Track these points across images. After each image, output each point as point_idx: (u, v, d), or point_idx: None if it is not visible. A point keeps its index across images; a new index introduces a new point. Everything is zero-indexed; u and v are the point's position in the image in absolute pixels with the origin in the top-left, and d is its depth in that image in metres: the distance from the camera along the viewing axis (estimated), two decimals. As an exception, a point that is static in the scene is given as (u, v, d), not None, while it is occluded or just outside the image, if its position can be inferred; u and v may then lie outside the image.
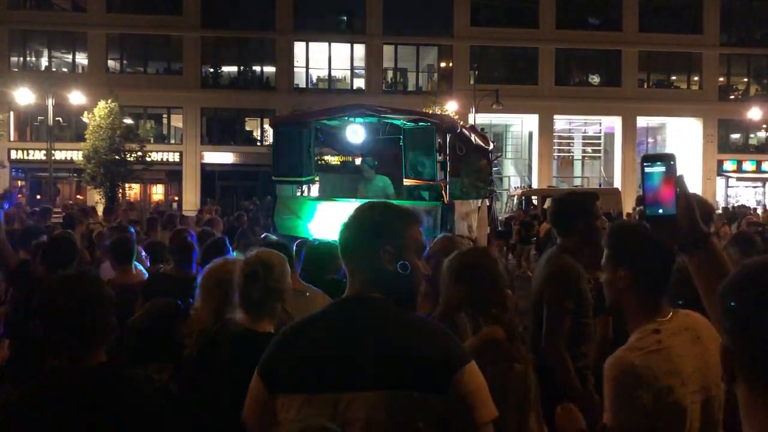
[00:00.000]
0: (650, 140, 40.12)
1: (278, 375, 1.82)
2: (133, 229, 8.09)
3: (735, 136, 38.83)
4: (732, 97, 38.32)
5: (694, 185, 36.23)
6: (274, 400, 1.80)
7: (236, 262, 3.43)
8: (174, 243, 5.00)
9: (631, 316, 2.22)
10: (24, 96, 27.30)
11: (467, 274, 2.73)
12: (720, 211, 26.69)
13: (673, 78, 38.90)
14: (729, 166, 37.93)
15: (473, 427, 1.73)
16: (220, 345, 3.06)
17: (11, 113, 32.25)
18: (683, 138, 38.13)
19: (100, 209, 29.10)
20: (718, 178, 37.66)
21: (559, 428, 2.39)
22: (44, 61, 35.28)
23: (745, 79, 39.07)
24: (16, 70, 33.64)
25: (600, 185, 36.88)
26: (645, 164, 1.78)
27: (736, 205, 30.52)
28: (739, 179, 38.30)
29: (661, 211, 1.74)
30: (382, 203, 1.99)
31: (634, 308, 2.20)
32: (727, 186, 38.33)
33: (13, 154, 33.30)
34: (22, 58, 34.78)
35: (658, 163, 1.77)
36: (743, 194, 37.73)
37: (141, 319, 3.49)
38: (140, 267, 5.57)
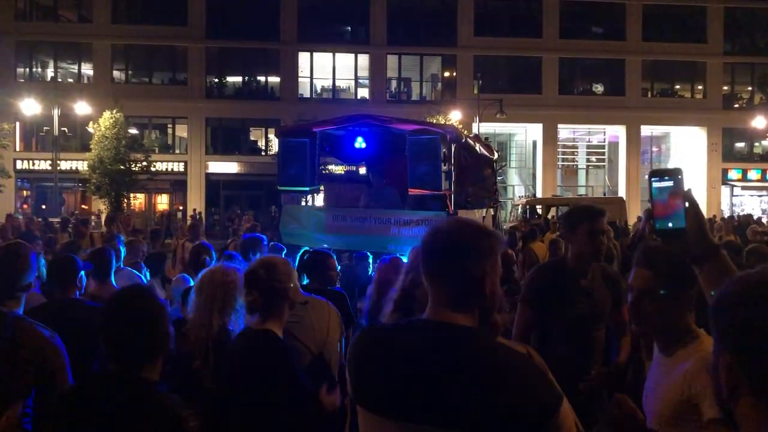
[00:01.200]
0: (654, 149, 40.10)
1: (361, 381, 1.75)
2: (122, 240, 7.96)
3: (739, 144, 38.78)
4: (736, 105, 38.30)
5: (699, 194, 36.07)
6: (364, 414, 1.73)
7: (233, 269, 3.48)
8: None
9: (670, 330, 2.23)
10: (30, 106, 27.45)
11: None
12: (722, 220, 26.61)
13: (677, 87, 38.91)
14: (734, 175, 37.86)
15: None
16: (227, 348, 3.13)
17: (17, 123, 32.41)
18: (687, 147, 38.08)
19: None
20: (722, 187, 37.56)
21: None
22: (50, 72, 35.48)
23: (749, 88, 39.06)
24: (23, 80, 33.85)
25: (604, 194, 36.82)
26: (653, 179, 1.80)
27: (741, 213, 30.44)
28: (744, 188, 38.20)
29: (670, 225, 1.76)
30: (472, 222, 1.89)
31: (676, 322, 2.23)
32: (732, 195, 38.23)
33: (19, 164, 33.43)
34: (28, 69, 34.99)
35: (666, 177, 1.79)
36: (748, 203, 37.62)
37: None
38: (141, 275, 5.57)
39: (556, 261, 3.64)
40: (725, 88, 38.09)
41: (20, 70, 34.59)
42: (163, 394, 2.24)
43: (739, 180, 37.94)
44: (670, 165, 39.07)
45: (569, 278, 3.52)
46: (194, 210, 31.96)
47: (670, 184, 1.78)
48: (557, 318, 3.46)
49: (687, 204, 1.75)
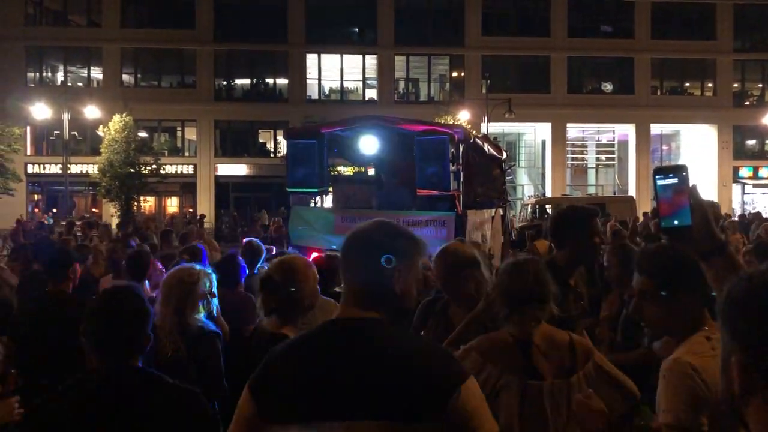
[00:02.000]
0: (664, 147, 39.90)
1: (272, 401, 1.74)
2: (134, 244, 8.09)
3: (750, 142, 38.54)
4: (747, 103, 38.06)
5: (710, 192, 35.92)
6: (267, 427, 1.73)
7: (194, 269, 3.59)
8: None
9: (678, 329, 2.21)
10: (40, 111, 27.62)
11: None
12: (735, 218, 26.44)
13: (687, 85, 38.70)
14: (745, 172, 37.60)
15: None
16: (196, 344, 3.32)
17: (28, 128, 32.62)
18: (698, 145, 37.87)
19: (114, 222, 29.47)
20: (733, 185, 37.32)
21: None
22: (60, 76, 35.70)
23: (760, 85, 38.81)
24: (33, 85, 34.06)
25: (614, 193, 36.71)
26: (657, 177, 1.79)
27: (752, 211, 30.23)
28: (755, 186, 37.93)
29: (676, 222, 1.75)
30: (392, 224, 1.95)
31: (682, 320, 2.19)
32: (743, 193, 37.98)
33: (30, 168, 33.65)
34: (38, 74, 35.22)
35: (671, 175, 1.78)
36: (760, 201, 37.32)
37: None
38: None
39: (548, 263, 3.58)
40: (735, 85, 37.85)
41: (30, 74, 34.83)
42: (162, 376, 2.30)
43: (750, 178, 37.68)
44: (681, 162, 38.81)
45: (561, 280, 3.47)
46: (188, 212, 32.13)
47: (674, 181, 1.77)
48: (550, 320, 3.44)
49: (692, 201, 1.73)
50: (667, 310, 2.22)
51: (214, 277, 3.68)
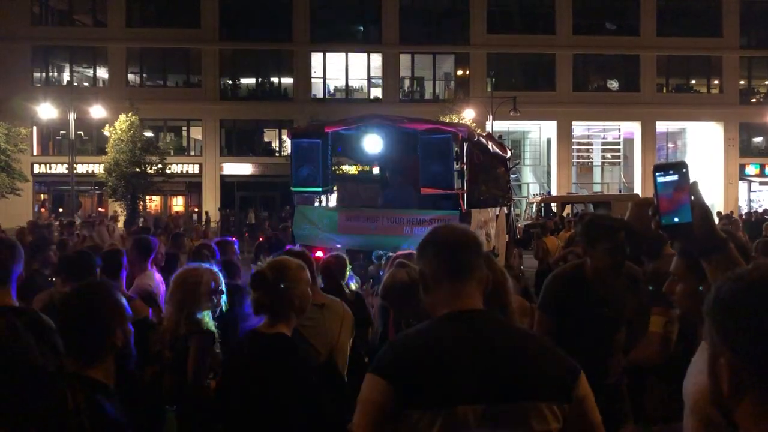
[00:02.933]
0: (670, 145, 39.77)
1: (413, 387, 1.75)
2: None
3: (757, 139, 38.38)
4: (753, 100, 37.91)
5: (716, 190, 35.85)
6: (408, 412, 1.73)
7: (207, 269, 3.62)
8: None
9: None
10: (46, 111, 27.71)
11: None
12: (741, 216, 26.41)
13: (693, 82, 38.57)
14: (751, 170, 37.45)
15: (591, 428, 1.83)
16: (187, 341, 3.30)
17: (34, 128, 32.74)
18: (704, 142, 37.74)
19: (121, 221, 29.57)
20: (740, 183, 37.19)
21: None
22: (66, 76, 35.83)
23: (767, 82, 38.64)
24: (39, 85, 34.18)
25: (620, 191, 36.61)
26: (657, 174, 1.79)
27: (759, 210, 30.15)
28: (761, 183, 37.78)
29: (677, 219, 1.75)
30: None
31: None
32: (750, 190, 37.83)
33: (36, 168, 33.78)
34: (44, 74, 35.35)
35: (671, 172, 1.77)
36: (766, 199, 37.22)
37: None
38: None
39: (574, 271, 3.58)
40: (742, 82, 37.69)
41: (36, 74, 34.95)
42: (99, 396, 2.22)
43: (756, 175, 37.53)
44: (687, 161, 38.56)
45: (586, 288, 3.49)
46: (193, 211, 32.20)
47: (674, 178, 1.77)
48: (574, 324, 3.43)
49: (692, 198, 1.73)
50: (694, 291, 2.19)
51: (221, 276, 3.70)
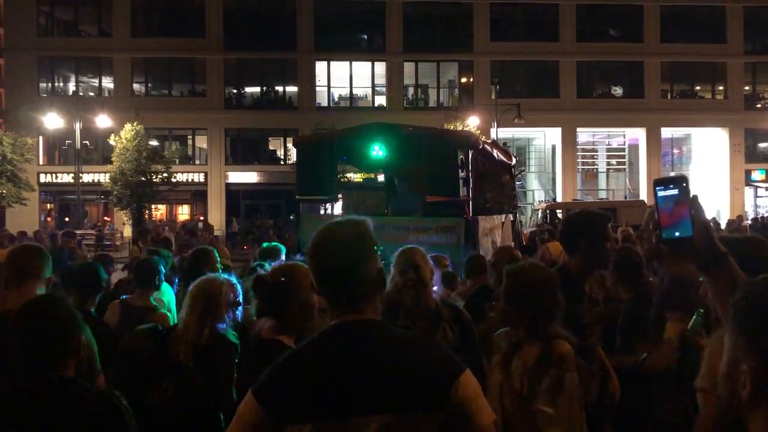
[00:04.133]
0: (675, 151, 39.71)
1: (284, 403, 1.78)
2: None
3: (762, 145, 38.27)
4: (758, 105, 37.84)
5: (722, 196, 35.75)
6: (280, 429, 1.76)
7: (225, 280, 3.61)
8: None
9: None
10: (52, 120, 27.84)
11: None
12: (748, 222, 26.29)
13: (698, 88, 38.52)
14: (757, 175, 37.36)
15: (475, 430, 1.76)
16: (212, 352, 3.30)
17: (40, 137, 32.89)
18: (709, 148, 37.67)
19: (127, 230, 29.64)
20: (746, 189, 37.08)
21: None
22: (72, 86, 36.01)
23: (771, 88, 38.60)
24: (45, 95, 34.34)
25: (625, 197, 36.51)
26: (658, 188, 1.79)
27: (766, 215, 30.02)
28: (768, 189, 37.70)
29: (677, 234, 1.75)
30: (359, 221, 1.95)
31: None
32: (756, 196, 37.71)
33: (43, 178, 33.91)
34: (50, 84, 35.53)
35: (671, 186, 1.78)
36: (773, 204, 37.12)
37: (129, 344, 3.60)
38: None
39: (560, 270, 3.55)
40: (746, 88, 37.64)
41: (43, 85, 35.13)
42: (86, 384, 2.39)
43: (762, 181, 37.42)
44: (692, 167, 38.73)
45: (576, 287, 3.44)
46: (198, 220, 32.19)
47: (675, 192, 1.77)
48: (569, 328, 3.42)
49: (692, 212, 1.74)
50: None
51: (239, 287, 3.69)
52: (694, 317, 2.99)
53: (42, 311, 2.41)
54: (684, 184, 1.77)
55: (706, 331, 2.96)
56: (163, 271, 5.20)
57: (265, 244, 6.81)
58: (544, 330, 2.93)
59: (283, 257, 6.25)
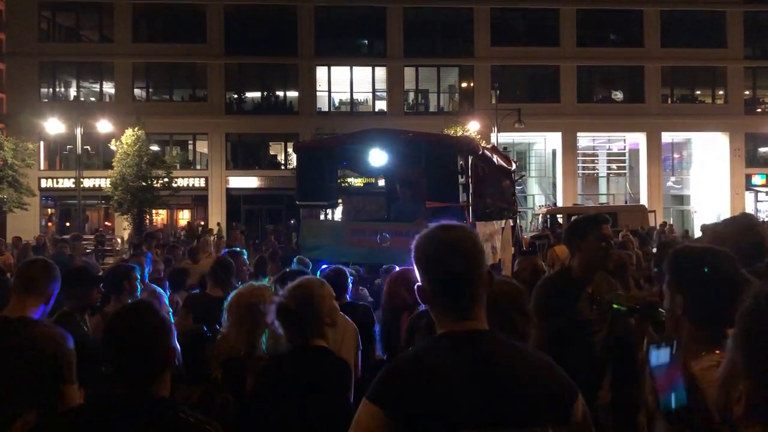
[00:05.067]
0: (676, 156, 39.74)
1: (416, 413, 1.71)
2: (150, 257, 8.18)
3: (763, 149, 38.28)
4: (758, 110, 37.87)
5: (723, 201, 35.75)
6: None
7: (265, 287, 3.55)
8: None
9: (688, 344, 2.16)
10: (54, 126, 27.89)
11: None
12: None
13: (698, 92, 38.56)
14: (758, 180, 37.36)
15: None
16: (248, 372, 3.16)
17: (41, 142, 32.93)
18: (709, 153, 37.69)
19: (127, 235, 29.63)
20: (746, 193, 37.07)
21: None
22: (73, 92, 36.08)
23: (772, 92, 38.63)
24: (46, 100, 34.42)
25: (626, 202, 36.54)
26: (651, 349, 1.81)
27: (767, 220, 29.96)
28: (768, 193, 37.70)
29: (673, 404, 1.75)
30: (463, 225, 1.95)
31: (691, 336, 2.15)
32: (757, 200, 37.70)
33: (44, 183, 33.94)
34: (51, 89, 35.59)
35: (664, 345, 1.79)
36: (773, 208, 37.11)
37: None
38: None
39: (561, 271, 3.69)
40: (747, 92, 37.67)
41: (44, 90, 35.20)
42: (181, 410, 2.15)
43: (763, 185, 37.42)
44: (693, 172, 38.74)
45: (576, 286, 3.55)
46: (199, 225, 32.27)
47: (666, 351, 1.78)
48: (570, 328, 3.47)
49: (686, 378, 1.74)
50: (678, 315, 2.21)
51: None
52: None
53: (135, 318, 2.19)
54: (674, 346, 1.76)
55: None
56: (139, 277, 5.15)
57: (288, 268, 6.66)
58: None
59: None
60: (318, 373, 2.91)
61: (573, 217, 4.13)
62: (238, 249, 7.30)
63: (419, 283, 1.89)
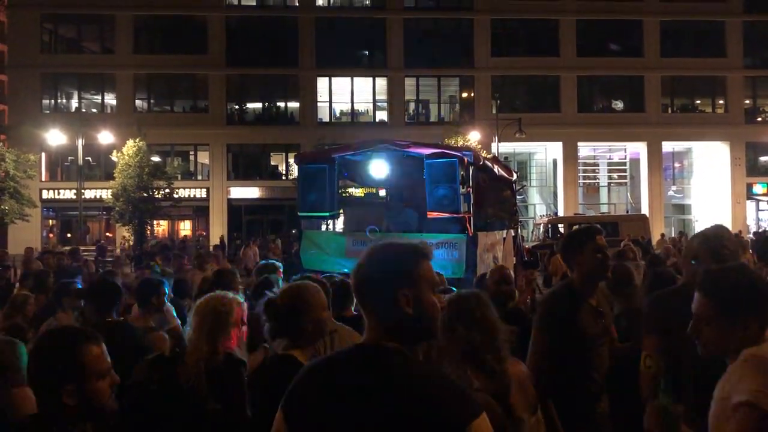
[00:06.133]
0: (676, 165, 39.76)
1: (303, 422, 1.80)
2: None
3: (764, 158, 38.28)
4: (759, 119, 37.92)
5: (724, 210, 35.73)
6: None
7: (232, 296, 3.54)
8: None
9: (734, 351, 2.23)
10: (55, 137, 27.95)
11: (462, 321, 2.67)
12: (750, 236, 26.28)
13: (698, 102, 38.63)
14: (759, 189, 37.35)
15: None
16: (223, 373, 3.22)
17: (43, 154, 33.01)
18: (710, 162, 37.71)
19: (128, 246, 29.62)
20: (747, 202, 37.07)
21: None
22: (74, 103, 36.18)
23: (772, 101, 38.70)
24: (48, 112, 34.51)
25: (627, 211, 36.53)
26: None
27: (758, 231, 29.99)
28: (769, 202, 37.67)
29: None
30: (391, 243, 1.93)
31: (739, 343, 2.23)
32: (758, 209, 37.70)
33: (45, 194, 33.99)
34: (53, 101, 35.70)
35: None
36: (775, 218, 37.09)
37: (135, 379, 3.52)
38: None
39: (563, 285, 3.67)
40: (747, 101, 37.74)
41: (45, 101, 35.31)
42: None
43: (764, 194, 37.42)
44: (694, 181, 38.76)
45: (579, 300, 3.54)
46: (201, 235, 32.23)
47: None
48: (573, 340, 3.45)
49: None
50: (726, 333, 2.24)
51: (245, 305, 3.63)
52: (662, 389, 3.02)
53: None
54: None
55: (677, 397, 2.99)
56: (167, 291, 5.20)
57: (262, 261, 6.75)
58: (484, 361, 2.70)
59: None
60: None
61: (565, 232, 4.04)
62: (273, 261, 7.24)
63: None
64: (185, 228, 36.85)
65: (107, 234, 34.81)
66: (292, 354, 2.94)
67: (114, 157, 30.10)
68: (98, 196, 32.20)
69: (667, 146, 37.58)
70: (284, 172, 36.09)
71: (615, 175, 39.90)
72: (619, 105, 37.78)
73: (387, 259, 1.87)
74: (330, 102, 36.31)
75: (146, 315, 4.97)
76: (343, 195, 15.25)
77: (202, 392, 3.18)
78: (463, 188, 8.11)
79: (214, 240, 32.02)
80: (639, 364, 3.27)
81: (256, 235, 32.74)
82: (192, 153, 36.60)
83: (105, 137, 28.81)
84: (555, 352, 3.44)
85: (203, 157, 36.26)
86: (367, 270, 1.87)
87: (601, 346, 3.60)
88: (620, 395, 3.59)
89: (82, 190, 28.50)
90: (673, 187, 39.38)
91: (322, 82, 36.04)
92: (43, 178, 34.18)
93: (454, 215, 8.12)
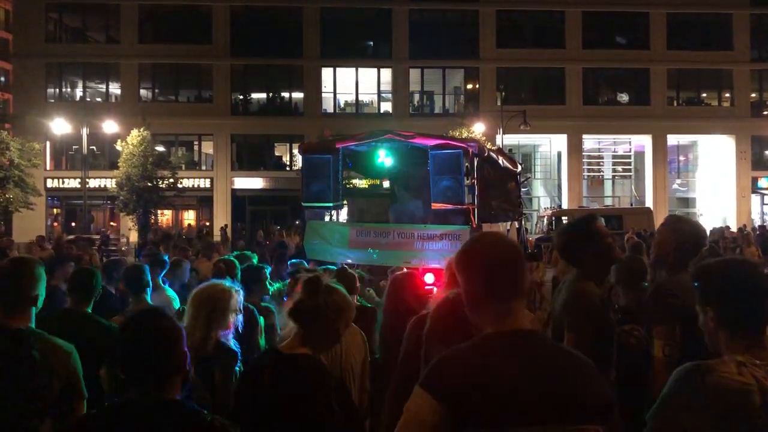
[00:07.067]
0: (681, 158, 39.65)
1: (470, 406, 1.75)
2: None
3: (769, 152, 38.20)
4: (765, 113, 37.75)
5: (729, 204, 35.66)
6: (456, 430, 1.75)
7: (228, 286, 3.55)
8: None
9: (727, 353, 2.15)
10: (60, 126, 27.98)
11: None
12: (753, 229, 26.22)
13: (704, 95, 38.46)
14: (764, 183, 37.23)
15: None
16: (212, 361, 3.25)
17: (47, 143, 33.05)
18: (715, 156, 37.59)
19: (133, 235, 29.75)
20: (753, 196, 36.96)
21: None
22: (79, 92, 36.19)
23: (778, 95, 38.52)
24: (53, 101, 34.55)
25: (631, 204, 36.47)
26: None
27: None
28: (774, 196, 37.56)
29: None
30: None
31: (726, 347, 2.16)
32: (763, 203, 37.59)
33: (49, 183, 34.05)
34: (57, 90, 35.71)
35: None
36: (780, 212, 36.98)
37: None
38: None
39: (581, 281, 3.38)
40: (753, 95, 37.57)
41: (50, 90, 35.32)
42: (203, 414, 2.18)
43: (769, 188, 37.33)
44: (699, 174, 38.64)
45: (601, 295, 3.38)
46: (204, 225, 32.26)
47: None
48: (607, 338, 3.25)
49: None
50: (712, 328, 2.22)
51: (241, 294, 3.64)
52: None
53: (147, 323, 2.20)
54: None
55: None
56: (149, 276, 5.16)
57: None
58: None
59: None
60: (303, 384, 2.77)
61: (561, 230, 3.74)
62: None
63: (467, 287, 1.96)
64: (189, 218, 36.90)
65: (111, 223, 34.89)
66: (303, 352, 2.84)
67: (118, 146, 30.11)
68: (102, 186, 32.26)
69: (672, 139, 37.46)
70: (288, 163, 36.08)
71: (619, 168, 39.79)
72: (624, 98, 37.64)
73: None
74: (334, 93, 36.24)
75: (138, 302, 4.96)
76: (348, 186, 15.24)
77: (192, 381, 3.19)
78: (467, 180, 8.09)
79: (218, 230, 32.10)
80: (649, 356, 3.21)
81: (260, 225, 32.87)
82: (196, 143, 36.61)
83: (109, 126, 28.83)
84: (593, 351, 3.31)
85: (207, 147, 36.27)
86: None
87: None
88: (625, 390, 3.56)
89: (87, 179, 28.53)
90: (678, 181, 39.27)
91: (326, 73, 35.98)
92: (48, 167, 34.23)
93: (459, 206, 8.11)
